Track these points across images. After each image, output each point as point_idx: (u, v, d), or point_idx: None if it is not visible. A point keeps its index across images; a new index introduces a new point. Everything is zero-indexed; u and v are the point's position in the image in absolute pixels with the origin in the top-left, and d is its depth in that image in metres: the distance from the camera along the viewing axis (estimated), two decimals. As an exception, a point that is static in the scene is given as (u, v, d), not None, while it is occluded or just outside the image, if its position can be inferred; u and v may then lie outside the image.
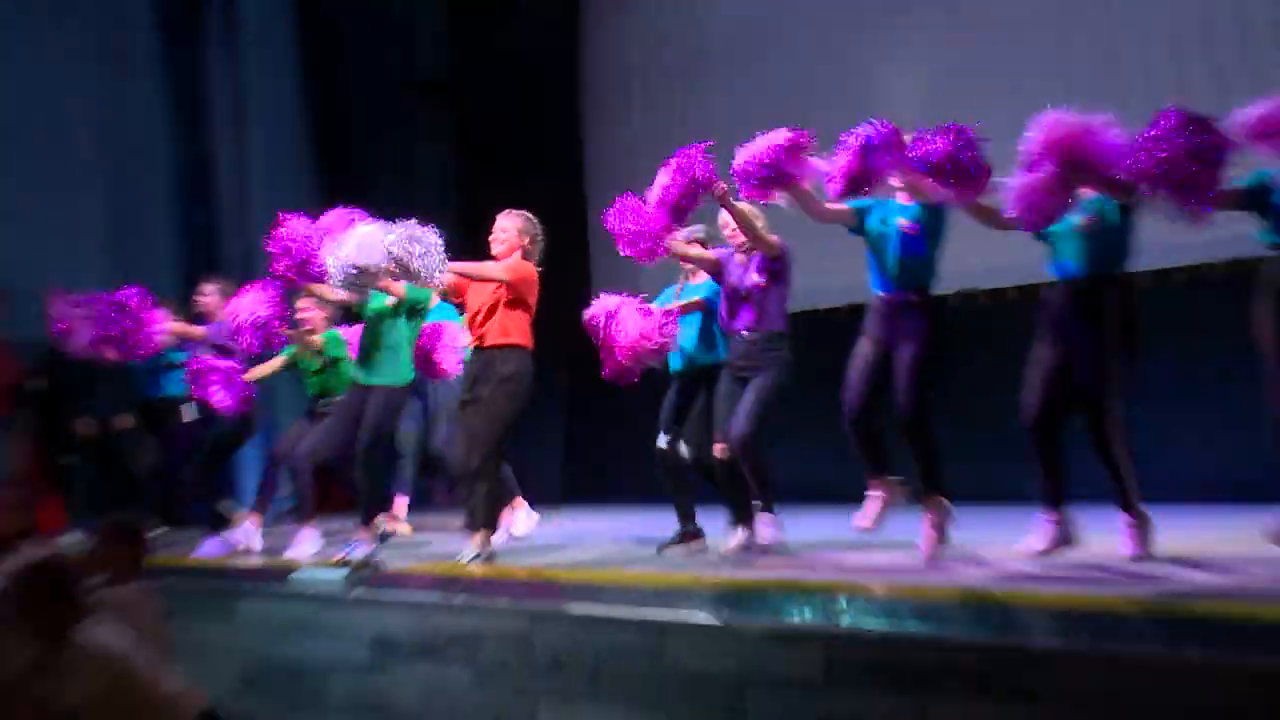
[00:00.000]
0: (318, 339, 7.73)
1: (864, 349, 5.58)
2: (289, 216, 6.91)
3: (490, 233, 6.55)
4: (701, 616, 4.83)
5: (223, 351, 7.93)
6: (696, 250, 6.33)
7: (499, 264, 6.40)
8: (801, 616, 4.62)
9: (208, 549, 7.78)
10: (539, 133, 10.45)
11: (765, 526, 6.10)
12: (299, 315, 7.71)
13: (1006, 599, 4.41)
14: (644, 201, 5.90)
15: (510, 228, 6.48)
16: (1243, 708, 3.40)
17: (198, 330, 8.24)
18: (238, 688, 6.42)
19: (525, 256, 6.44)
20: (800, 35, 9.65)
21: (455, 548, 6.49)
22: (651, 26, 10.53)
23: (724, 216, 6.14)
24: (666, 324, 6.35)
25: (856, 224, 5.67)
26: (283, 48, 11.16)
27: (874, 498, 5.64)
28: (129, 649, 4.64)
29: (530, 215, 6.53)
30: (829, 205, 5.54)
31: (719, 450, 6.21)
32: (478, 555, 6.15)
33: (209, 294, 8.38)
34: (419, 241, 6.10)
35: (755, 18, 9.82)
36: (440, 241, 6.17)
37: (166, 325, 8.12)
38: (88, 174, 10.26)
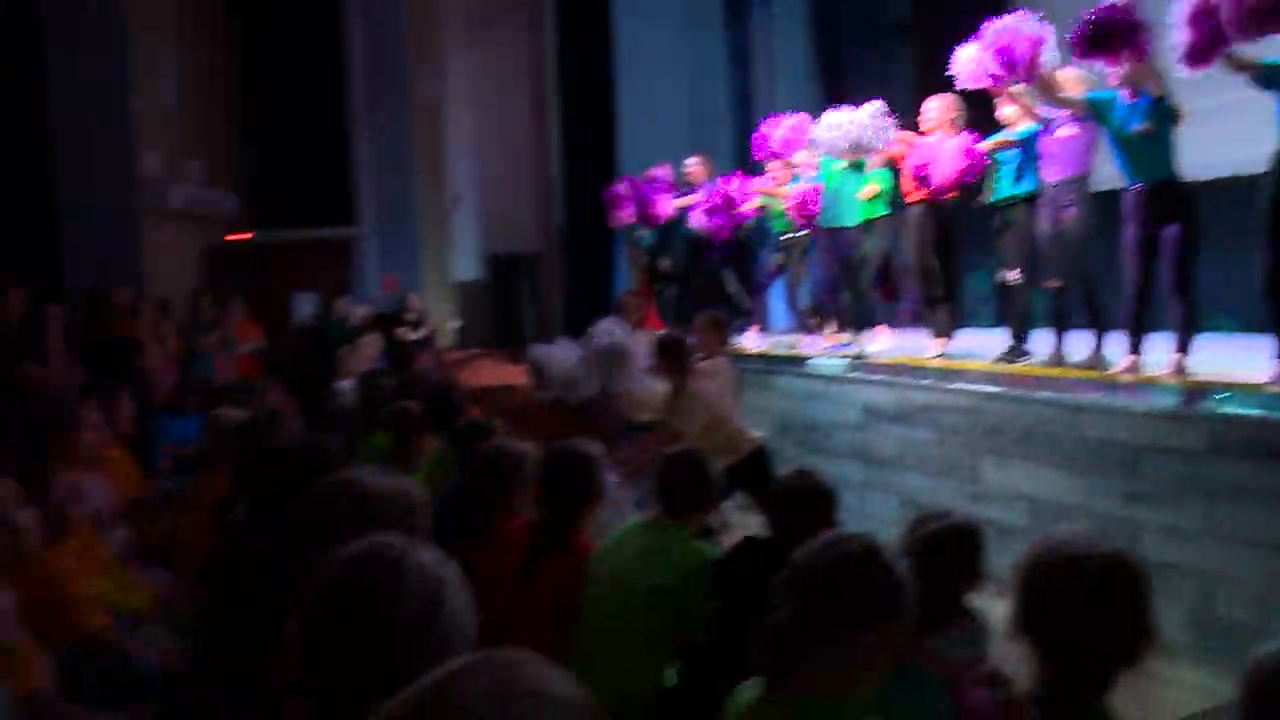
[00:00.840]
0: (787, 188, 7.40)
1: None
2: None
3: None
4: (1105, 400, 4.61)
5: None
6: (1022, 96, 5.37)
7: (928, 136, 6.04)
8: (1191, 404, 4.30)
9: (745, 341, 7.99)
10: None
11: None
12: (770, 176, 7.58)
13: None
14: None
15: (938, 107, 6.02)
16: None
17: (691, 198, 8.32)
18: (774, 434, 6.63)
19: (951, 127, 5.94)
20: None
21: (919, 347, 6.44)
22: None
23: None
24: (977, 158, 5.72)
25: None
26: (798, 8, 11.22)
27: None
28: (717, 398, 5.10)
29: (955, 97, 5.89)
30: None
31: (1051, 283, 5.41)
32: (940, 354, 6.13)
33: (693, 165, 8.45)
34: (872, 121, 6.15)
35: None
36: (888, 123, 6.16)
37: (671, 199, 8.47)
38: (676, 98, 10.74)
